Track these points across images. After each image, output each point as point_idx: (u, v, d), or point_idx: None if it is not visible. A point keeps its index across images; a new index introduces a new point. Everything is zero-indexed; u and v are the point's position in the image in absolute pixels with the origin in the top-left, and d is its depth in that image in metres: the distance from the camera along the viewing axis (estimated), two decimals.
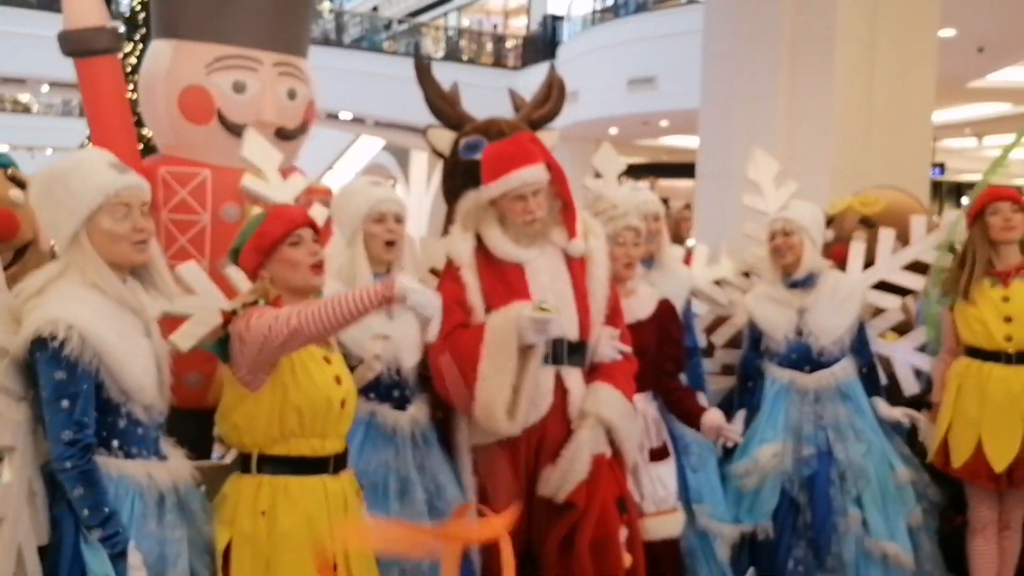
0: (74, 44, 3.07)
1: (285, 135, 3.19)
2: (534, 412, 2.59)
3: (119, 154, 2.40)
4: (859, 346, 3.40)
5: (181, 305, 2.55)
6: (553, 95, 3.45)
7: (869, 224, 3.92)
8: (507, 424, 2.54)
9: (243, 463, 2.19)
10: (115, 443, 1.99)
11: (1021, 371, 3.15)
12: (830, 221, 4.14)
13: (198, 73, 3.10)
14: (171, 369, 2.17)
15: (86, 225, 2.01)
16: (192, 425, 2.53)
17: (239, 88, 3.10)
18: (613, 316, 2.79)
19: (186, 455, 2.22)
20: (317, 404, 2.14)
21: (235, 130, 3.06)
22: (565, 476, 2.57)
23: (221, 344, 2.14)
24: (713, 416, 3.01)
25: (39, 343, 1.91)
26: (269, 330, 2.01)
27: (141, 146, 3.48)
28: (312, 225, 2.26)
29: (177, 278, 2.62)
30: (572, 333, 2.66)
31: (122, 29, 7.18)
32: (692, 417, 3.06)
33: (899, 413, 3.36)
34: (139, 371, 2.02)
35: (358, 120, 18.01)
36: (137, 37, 6.95)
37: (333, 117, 18.03)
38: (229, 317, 2.14)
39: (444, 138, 3.27)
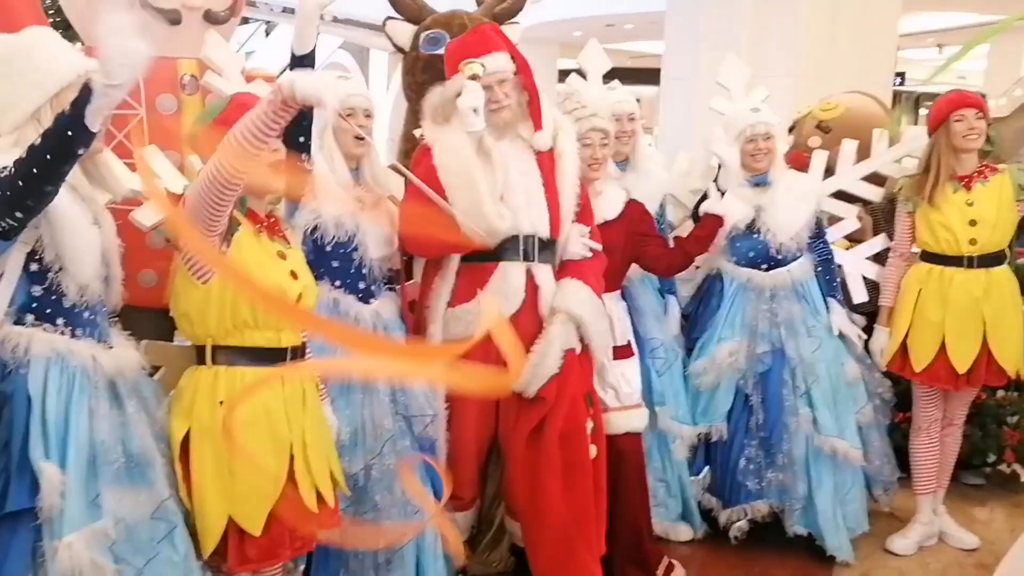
0: None
1: (214, 19, 3.07)
2: (506, 307, 2.61)
3: None
4: (815, 241, 3.46)
5: (146, 186, 2.53)
6: None
7: (824, 130, 3.96)
8: (499, 220, 2.55)
9: (198, 355, 2.20)
10: (60, 320, 1.97)
11: (981, 274, 3.23)
12: (792, 127, 4.19)
13: None
14: (126, 267, 2.13)
15: (51, 102, 1.95)
16: (149, 323, 2.52)
17: None
18: (583, 214, 2.79)
19: (146, 341, 2.21)
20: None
21: (163, 15, 2.95)
22: (536, 371, 2.60)
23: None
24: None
25: None
26: (203, 185, 1.99)
27: None
28: None
29: (138, 161, 2.60)
30: (543, 230, 2.66)
31: None
32: (703, 237, 3.18)
33: (850, 331, 3.44)
34: (81, 244, 1.96)
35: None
36: None
37: (290, 12, 17.42)
38: (175, 199, 2.13)
39: (405, 32, 3.19)
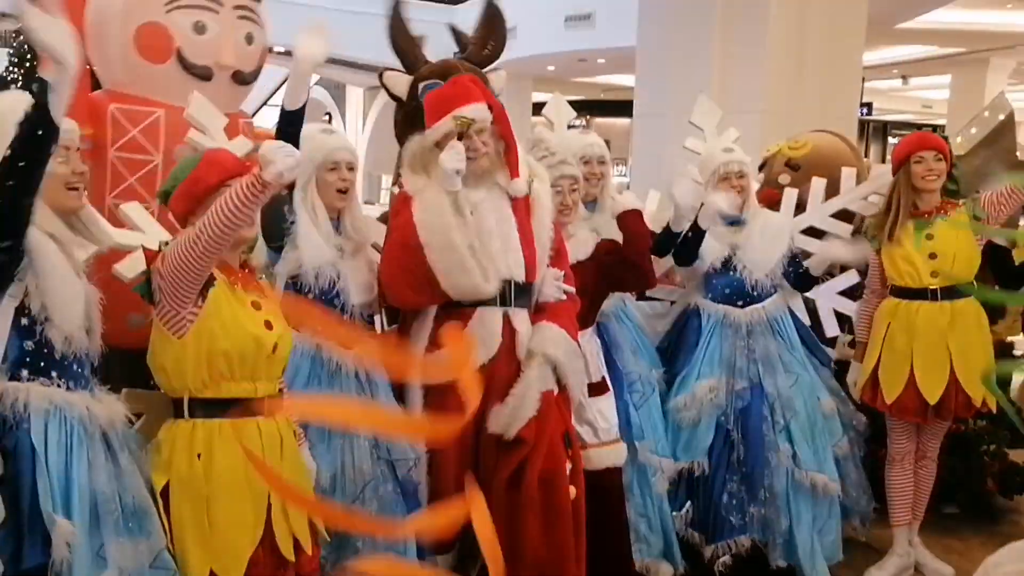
0: None
1: (242, 79, 3.18)
2: (483, 352, 2.64)
3: None
4: (792, 268, 3.54)
5: (128, 238, 2.55)
6: (495, 31, 3.42)
7: (794, 167, 4.05)
8: (483, 280, 2.59)
9: (175, 408, 2.20)
10: (54, 373, 1.98)
11: (946, 306, 3.30)
12: (762, 165, 4.27)
13: (157, 10, 3.04)
14: (112, 311, 2.15)
15: None
16: (137, 366, 2.53)
17: (200, 29, 3.06)
18: (557, 257, 2.84)
19: (126, 389, 2.23)
20: (245, 348, 2.16)
21: (194, 71, 3.05)
22: (515, 413, 2.63)
23: (146, 285, 2.14)
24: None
25: None
26: (182, 251, 2.02)
27: None
28: (244, 173, 2.22)
29: (122, 216, 2.62)
30: (519, 275, 2.69)
31: None
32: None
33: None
34: (67, 292, 1.99)
35: (290, 54, 17.52)
36: None
37: (267, 51, 17.51)
38: (153, 256, 2.15)
39: (401, 82, 3.24)
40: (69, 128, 2.04)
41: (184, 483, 2.13)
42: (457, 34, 3.52)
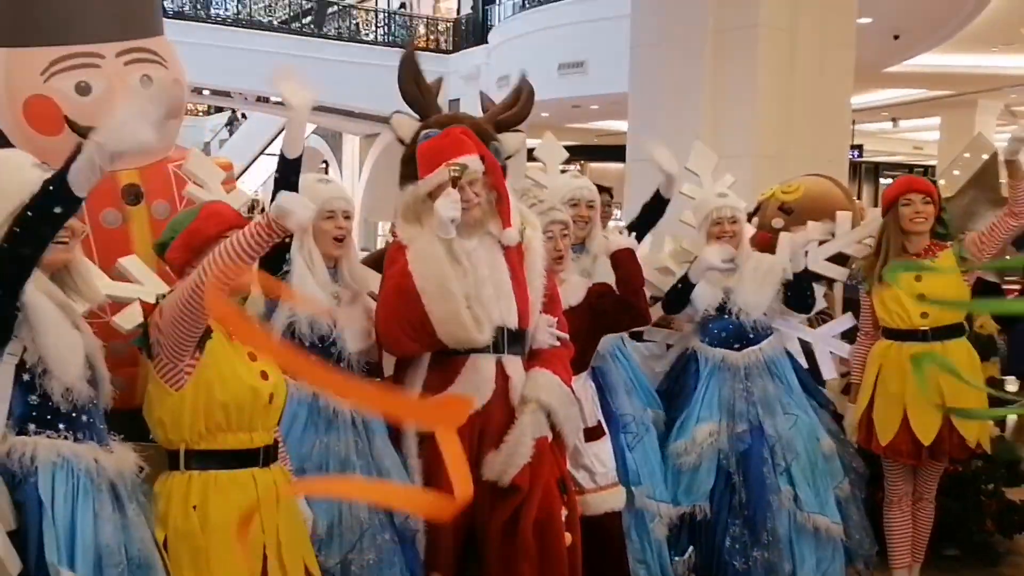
0: None
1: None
2: (477, 399, 2.64)
3: None
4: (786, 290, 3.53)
5: (124, 290, 2.56)
6: (522, 99, 3.45)
7: (787, 211, 4.09)
8: (477, 332, 2.59)
9: (171, 460, 2.20)
10: (61, 426, 1.98)
11: (937, 347, 3.31)
12: (756, 209, 4.32)
13: (35, 81, 2.78)
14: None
15: (10, 220, 1.95)
16: (121, 423, 2.53)
17: (83, 90, 2.78)
18: (550, 304, 2.85)
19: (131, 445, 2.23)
20: (243, 399, 2.17)
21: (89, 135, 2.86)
22: (509, 460, 2.62)
23: (143, 338, 2.16)
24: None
25: None
26: (181, 302, 2.03)
27: None
28: (242, 225, 2.23)
29: (119, 270, 2.63)
30: (511, 322, 2.71)
31: None
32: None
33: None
34: (63, 344, 1.98)
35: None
36: None
37: (264, 100, 17.73)
38: (150, 308, 2.17)
39: (408, 126, 3.23)
40: None
41: (181, 535, 2.13)
42: (484, 98, 3.53)
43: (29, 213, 1.85)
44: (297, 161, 2.71)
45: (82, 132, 2.70)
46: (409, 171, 2.96)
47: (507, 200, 2.75)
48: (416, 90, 3.22)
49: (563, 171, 3.65)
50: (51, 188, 1.86)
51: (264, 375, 2.24)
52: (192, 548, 2.12)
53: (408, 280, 2.59)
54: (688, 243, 3.79)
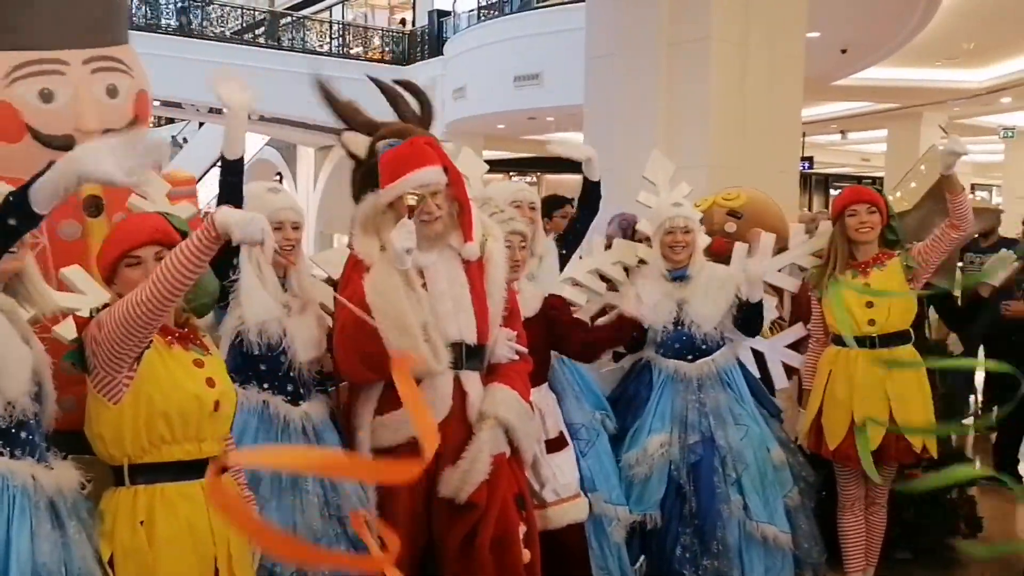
0: None
1: None
2: (433, 415, 2.59)
3: None
4: (737, 310, 3.53)
5: (70, 301, 2.50)
6: (423, 103, 3.43)
7: (737, 216, 4.16)
8: (435, 363, 2.56)
9: (116, 476, 2.15)
10: None
11: (884, 354, 3.37)
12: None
13: None
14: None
15: None
16: (72, 445, 2.45)
17: (46, 97, 2.73)
18: (510, 317, 2.83)
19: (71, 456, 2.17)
20: (187, 408, 2.12)
21: (53, 143, 2.71)
22: (466, 477, 2.60)
23: (77, 353, 2.10)
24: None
25: None
26: (123, 314, 1.99)
27: None
28: (163, 239, 2.20)
29: (64, 280, 2.57)
30: (470, 337, 2.68)
31: None
32: (623, 328, 3.26)
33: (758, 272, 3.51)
34: (9, 356, 1.93)
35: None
36: None
37: (217, 112, 17.48)
38: (83, 322, 2.11)
39: (360, 141, 3.22)
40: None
41: (128, 552, 2.08)
42: (398, 106, 3.51)
43: None
44: (238, 162, 2.66)
45: (45, 141, 2.73)
46: (366, 184, 2.95)
47: (469, 212, 2.72)
48: (351, 112, 3.20)
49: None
50: (11, 199, 1.80)
51: (210, 382, 2.19)
52: (140, 564, 2.07)
53: (364, 306, 2.54)
54: (643, 251, 3.82)
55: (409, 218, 2.55)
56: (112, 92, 2.84)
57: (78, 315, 2.19)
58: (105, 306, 2.13)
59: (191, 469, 2.16)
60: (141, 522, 2.08)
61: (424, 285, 2.63)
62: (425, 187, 2.61)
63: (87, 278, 2.59)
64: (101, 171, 1.77)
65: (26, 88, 2.72)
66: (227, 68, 2.72)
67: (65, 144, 2.70)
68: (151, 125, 3.19)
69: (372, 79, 3.25)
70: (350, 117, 3.24)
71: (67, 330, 2.46)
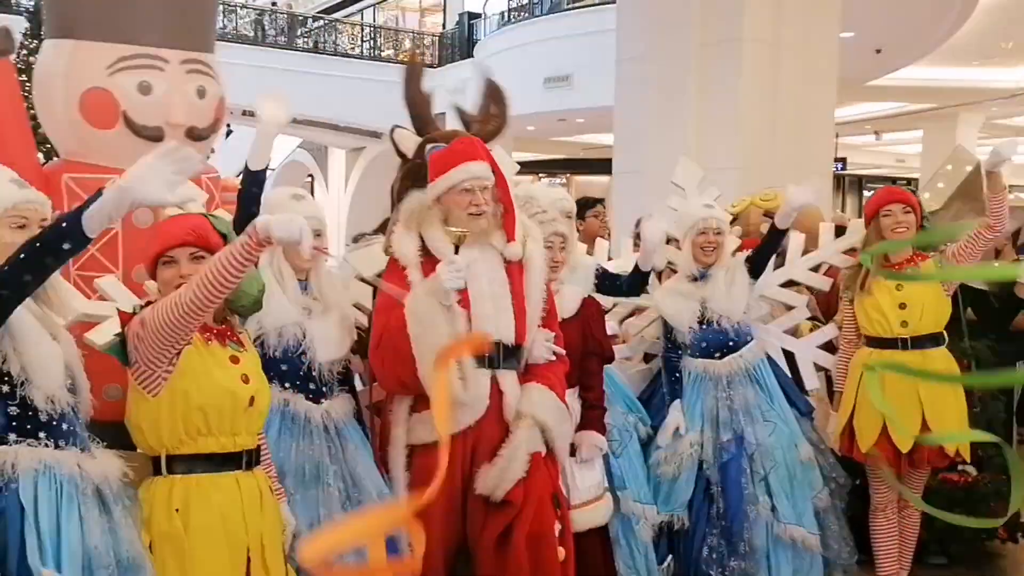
0: None
1: (196, 135, 3.07)
2: (470, 414, 2.64)
3: (12, 160, 2.34)
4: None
5: (99, 308, 2.56)
6: (497, 108, 3.44)
7: (772, 216, 4.13)
8: (463, 394, 2.59)
9: (154, 466, 2.22)
10: (42, 434, 1.98)
11: (917, 356, 3.35)
12: (734, 219, 4.34)
13: (99, 74, 2.93)
14: (91, 382, 2.14)
15: None
16: (116, 437, 2.50)
17: (145, 89, 2.95)
18: (548, 318, 2.85)
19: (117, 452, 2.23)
20: (222, 403, 2.19)
21: (143, 133, 2.94)
22: (503, 475, 2.62)
23: (119, 347, 2.17)
24: (592, 437, 3.12)
25: None
26: (166, 314, 2.05)
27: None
28: (197, 240, 2.26)
29: (99, 289, 2.63)
30: (508, 337, 2.70)
31: (24, 27, 6.93)
32: (584, 425, 3.13)
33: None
34: (43, 352, 2.00)
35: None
36: (43, 34, 6.71)
37: (250, 114, 17.68)
38: (127, 318, 2.17)
39: (410, 140, 3.25)
40: (33, 199, 2.11)
41: (164, 538, 2.15)
42: (461, 112, 3.55)
43: (37, 244, 1.87)
44: (261, 173, 2.71)
45: (137, 130, 2.93)
46: (407, 182, 2.98)
47: (512, 213, 2.75)
48: (421, 105, 3.24)
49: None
50: (64, 225, 1.87)
51: (245, 378, 2.25)
52: (177, 550, 2.13)
53: (405, 342, 2.57)
54: (670, 253, 3.82)
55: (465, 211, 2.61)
56: (201, 93, 3.07)
57: (122, 311, 2.24)
58: (147, 303, 2.19)
59: (226, 461, 2.22)
60: (177, 510, 2.15)
61: (461, 301, 2.65)
62: (477, 180, 2.65)
63: (120, 287, 2.66)
64: (153, 197, 1.86)
65: (127, 79, 2.94)
66: (279, 87, 2.91)
67: (155, 135, 2.95)
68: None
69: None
70: (419, 110, 3.26)
71: (99, 336, 2.52)
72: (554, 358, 2.83)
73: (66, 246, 1.87)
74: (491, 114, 3.43)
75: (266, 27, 19.29)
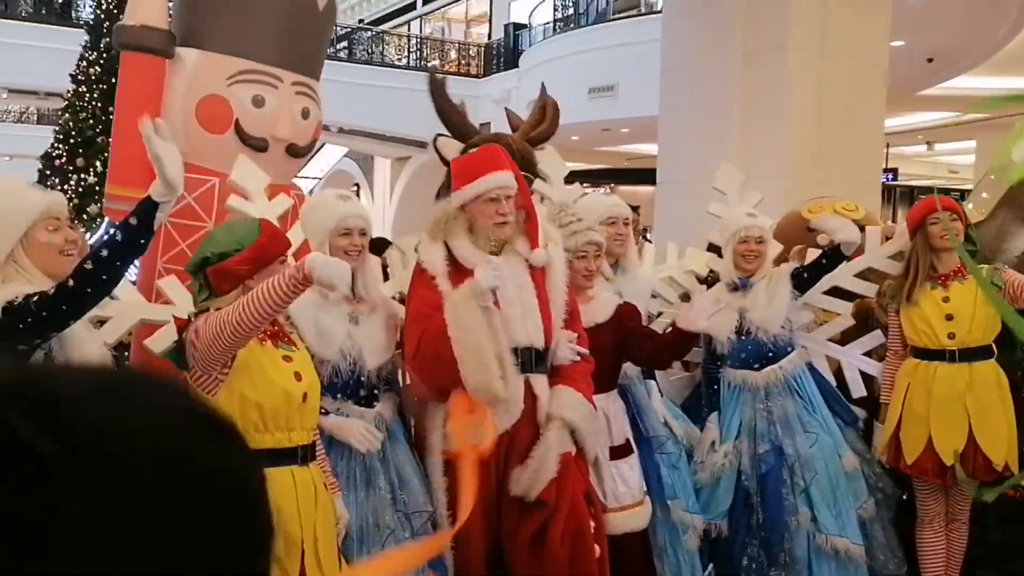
0: (128, 37, 3.15)
1: (295, 152, 3.29)
2: (507, 418, 2.68)
3: (134, 150, 2.54)
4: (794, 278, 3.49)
5: (159, 312, 2.62)
6: (548, 114, 3.52)
7: (860, 228, 4.05)
8: (503, 393, 2.61)
9: None
10: None
11: (964, 368, 3.29)
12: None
13: (219, 84, 3.17)
14: None
15: (21, 241, 2.12)
16: None
17: (258, 103, 3.18)
18: (571, 320, 2.88)
19: None
20: (276, 400, 2.25)
21: (250, 142, 3.17)
22: (536, 475, 2.66)
23: (177, 352, 2.24)
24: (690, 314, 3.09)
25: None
26: (216, 331, 2.13)
27: None
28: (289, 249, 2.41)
29: (160, 290, 2.71)
30: (538, 341, 2.73)
31: (84, 40, 7.14)
32: (682, 340, 3.12)
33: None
34: (89, 355, 2.10)
35: (323, 127, 17.98)
36: (101, 46, 6.91)
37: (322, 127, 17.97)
38: (183, 324, 2.23)
39: (453, 147, 3.31)
40: (59, 200, 2.22)
41: None
42: (510, 115, 3.61)
43: (118, 235, 2.03)
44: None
45: (244, 139, 3.15)
46: (451, 190, 3.01)
47: (535, 220, 2.78)
48: (454, 114, 3.29)
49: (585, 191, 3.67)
50: (139, 224, 2.06)
51: (298, 376, 2.31)
52: None
53: (446, 347, 2.59)
54: (710, 261, 3.79)
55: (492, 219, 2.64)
56: (305, 114, 3.32)
57: (178, 318, 2.31)
58: (201, 312, 2.26)
59: (282, 456, 2.28)
60: None
61: (496, 302, 2.67)
62: (503, 189, 2.68)
63: (180, 288, 2.72)
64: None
65: (244, 91, 3.18)
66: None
67: (260, 145, 3.19)
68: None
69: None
70: (453, 119, 3.32)
71: (157, 344, 2.59)
72: (578, 359, 2.85)
73: (144, 244, 2.07)
74: (540, 120, 3.46)
75: None
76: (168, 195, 2.12)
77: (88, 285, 2.02)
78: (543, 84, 3.79)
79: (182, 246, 3.04)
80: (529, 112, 3.74)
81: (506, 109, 3.76)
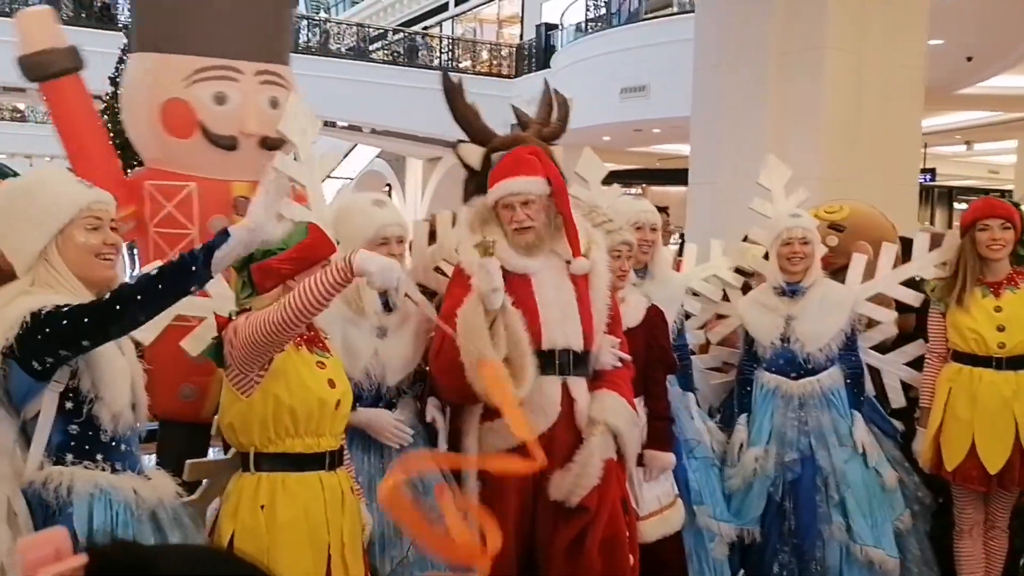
0: (31, 70, 3.03)
1: (269, 144, 3.13)
2: (543, 420, 2.64)
3: (96, 171, 2.42)
4: (847, 354, 3.41)
5: (196, 307, 2.62)
6: (560, 112, 3.47)
7: (838, 228, 3.93)
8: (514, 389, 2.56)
9: (243, 461, 2.30)
10: (99, 456, 1.97)
11: (1011, 376, 3.20)
12: None
13: (177, 86, 3.05)
14: (166, 381, 2.21)
15: (56, 239, 1.96)
16: (184, 437, 2.54)
17: (220, 100, 3.06)
18: (613, 325, 2.84)
19: (190, 461, 2.27)
20: (310, 406, 2.24)
21: (219, 142, 3.05)
22: (578, 480, 2.62)
23: (216, 350, 2.23)
24: (661, 458, 3.09)
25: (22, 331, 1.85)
26: (256, 330, 2.10)
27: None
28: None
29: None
30: (577, 344, 2.70)
31: (124, 41, 7.24)
32: (651, 442, 3.09)
33: (870, 447, 3.34)
34: (115, 369, 1.98)
35: (354, 128, 18.11)
36: None
37: (330, 125, 18.11)
38: (224, 322, 2.24)
39: (475, 152, 3.29)
40: (103, 199, 2.05)
41: (248, 532, 2.21)
42: (518, 112, 3.59)
43: (160, 286, 1.88)
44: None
45: (213, 139, 3.04)
46: (478, 195, 3.01)
47: (573, 224, 2.72)
48: (471, 117, 3.27)
49: (623, 194, 3.64)
50: (192, 268, 1.90)
51: (331, 383, 2.31)
52: (257, 545, 2.18)
53: (455, 352, 2.56)
54: (750, 258, 3.73)
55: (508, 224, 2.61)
56: (274, 103, 3.15)
57: (219, 315, 2.30)
58: (243, 311, 2.24)
59: (310, 461, 2.28)
60: (262, 506, 2.21)
61: (528, 298, 2.65)
62: (516, 196, 2.65)
63: (220, 281, 2.70)
64: (274, 234, 2.04)
65: (203, 90, 3.06)
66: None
67: (229, 144, 3.06)
68: None
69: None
70: (468, 123, 3.30)
71: (193, 346, 2.60)
72: (620, 364, 2.82)
73: (192, 288, 1.91)
74: (550, 118, 3.43)
75: (347, 40, 19.72)
76: (253, 229, 1.99)
77: (120, 304, 1.86)
78: (545, 81, 3.73)
79: (170, 255, 2.93)
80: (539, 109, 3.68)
81: (513, 107, 3.73)
